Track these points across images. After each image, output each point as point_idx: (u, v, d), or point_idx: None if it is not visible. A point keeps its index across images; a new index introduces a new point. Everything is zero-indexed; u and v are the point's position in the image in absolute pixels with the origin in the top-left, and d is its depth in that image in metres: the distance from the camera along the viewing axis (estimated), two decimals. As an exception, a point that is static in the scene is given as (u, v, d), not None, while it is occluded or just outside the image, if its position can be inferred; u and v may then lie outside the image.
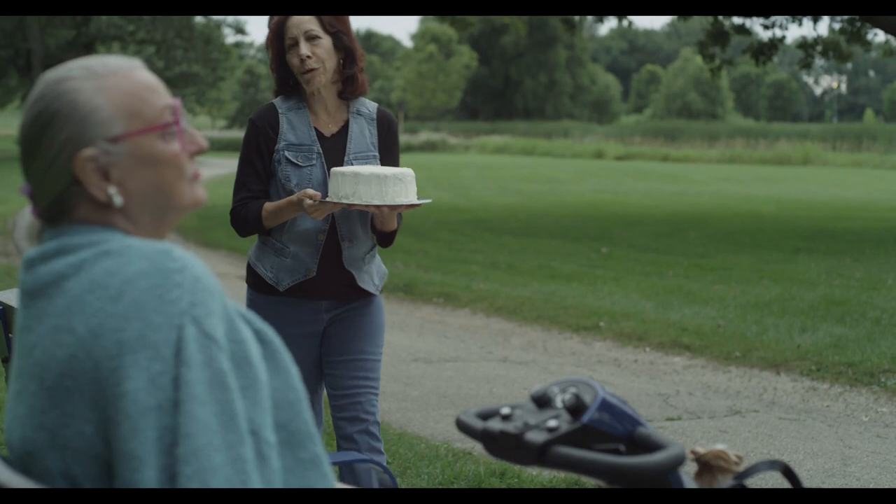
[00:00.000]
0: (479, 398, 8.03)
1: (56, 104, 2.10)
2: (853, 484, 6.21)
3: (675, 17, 26.35)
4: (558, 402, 2.17)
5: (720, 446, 2.49)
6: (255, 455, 2.02)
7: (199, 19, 56.53)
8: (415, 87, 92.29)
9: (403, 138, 75.17)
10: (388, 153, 4.57)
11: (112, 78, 2.13)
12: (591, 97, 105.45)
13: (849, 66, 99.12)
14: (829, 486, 6.11)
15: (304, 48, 4.34)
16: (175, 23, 53.33)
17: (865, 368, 8.85)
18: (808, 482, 6.14)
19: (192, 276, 2.00)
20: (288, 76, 4.47)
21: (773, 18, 25.50)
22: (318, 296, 4.51)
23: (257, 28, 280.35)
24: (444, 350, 9.97)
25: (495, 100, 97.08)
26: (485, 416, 2.27)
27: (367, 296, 4.61)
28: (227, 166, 49.28)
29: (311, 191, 4.27)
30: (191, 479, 1.91)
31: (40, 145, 2.11)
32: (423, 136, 76.93)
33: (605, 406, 2.14)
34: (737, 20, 26.03)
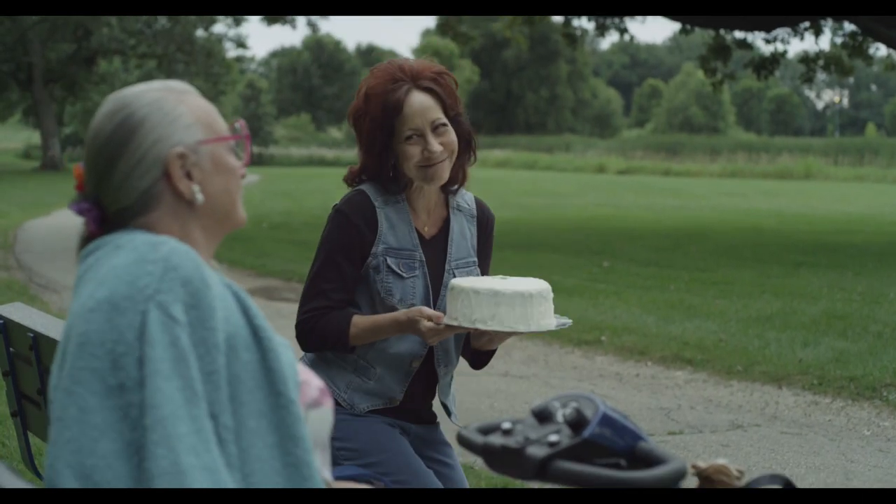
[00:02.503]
0: (480, 412, 8.02)
1: (144, 110, 2.28)
2: (855, 499, 6.19)
3: (676, 31, 26.30)
4: (559, 417, 2.16)
5: (722, 461, 2.48)
6: (216, 437, 2.10)
7: (199, 33, 56.64)
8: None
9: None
10: (484, 255, 3.93)
11: (186, 94, 2.35)
12: (593, 111, 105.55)
13: (851, 80, 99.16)
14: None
15: (435, 143, 3.63)
16: (176, 37, 53.46)
17: (867, 383, 8.83)
18: (810, 497, 6.12)
19: (167, 266, 2.12)
20: (388, 164, 3.70)
21: (774, 32, 25.51)
22: (397, 417, 3.80)
23: (258, 42, 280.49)
24: (445, 364, 9.95)
25: (497, 114, 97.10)
26: (486, 430, 2.27)
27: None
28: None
29: (428, 310, 3.56)
30: (158, 445, 2.01)
31: (127, 148, 2.27)
32: (425, 150, 76.82)
33: (607, 420, 2.13)
34: (738, 34, 26.05)
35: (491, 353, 3.87)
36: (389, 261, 3.66)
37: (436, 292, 3.75)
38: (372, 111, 3.66)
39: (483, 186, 42.67)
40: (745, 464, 6.82)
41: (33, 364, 3.85)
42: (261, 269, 16.36)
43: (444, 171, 3.68)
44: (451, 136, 3.67)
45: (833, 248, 20.17)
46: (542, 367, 9.94)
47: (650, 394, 8.87)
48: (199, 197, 2.29)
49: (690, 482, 2.30)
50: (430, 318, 3.53)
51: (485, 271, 3.93)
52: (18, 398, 4.21)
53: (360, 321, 3.61)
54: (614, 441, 2.13)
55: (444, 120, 3.66)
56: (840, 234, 23.23)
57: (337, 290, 3.65)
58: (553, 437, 2.09)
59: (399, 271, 3.67)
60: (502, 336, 3.67)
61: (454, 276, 3.75)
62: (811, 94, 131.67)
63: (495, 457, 2.16)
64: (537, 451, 2.07)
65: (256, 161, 74.60)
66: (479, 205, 3.93)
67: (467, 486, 3.67)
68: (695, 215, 29.27)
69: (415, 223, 3.74)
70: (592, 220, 27.41)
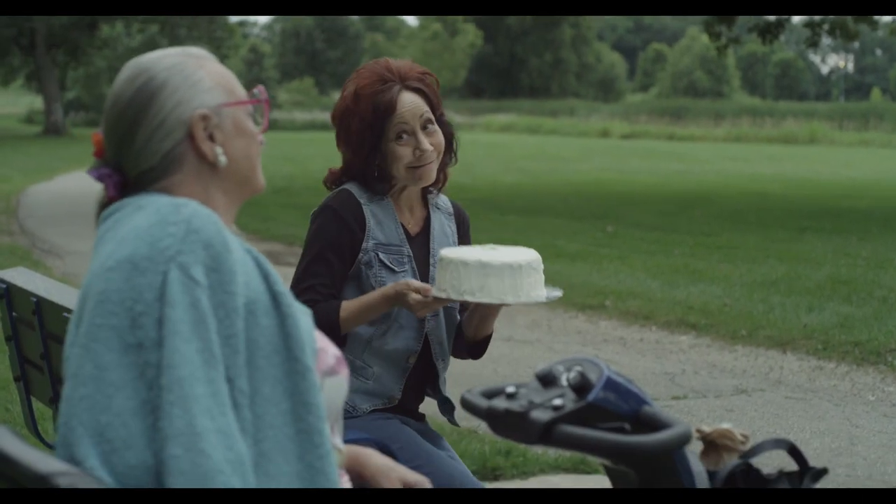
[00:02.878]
0: (483, 377, 8.02)
1: (164, 74, 2.30)
2: (860, 463, 6.20)
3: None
4: (563, 381, 2.15)
5: (726, 425, 2.48)
6: (232, 401, 2.09)
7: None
8: (420, 65, 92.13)
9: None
10: None
11: (205, 59, 2.37)
12: (597, 76, 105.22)
13: (856, 44, 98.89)
14: (836, 466, 6.10)
15: (425, 141, 3.65)
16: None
17: (872, 347, 8.83)
18: (814, 461, 6.12)
19: (189, 228, 2.12)
20: (374, 164, 3.71)
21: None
22: (396, 413, 3.80)
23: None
24: (449, 329, 9.96)
25: (500, 78, 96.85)
26: (490, 394, 2.26)
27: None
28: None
29: (415, 282, 3.55)
30: (174, 406, 2.01)
31: (148, 111, 2.28)
32: (429, 114, 76.79)
33: (611, 385, 2.12)
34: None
35: (488, 339, 3.83)
36: (381, 256, 3.68)
37: None
38: (362, 111, 3.66)
39: (487, 151, 42.66)
40: (750, 428, 6.81)
41: (36, 329, 3.85)
42: (264, 234, 16.37)
43: (432, 172, 3.70)
44: (439, 136, 3.71)
45: (838, 213, 20.15)
46: (546, 332, 9.94)
47: (654, 358, 8.87)
48: (223, 159, 2.29)
49: (695, 447, 2.29)
50: (417, 291, 3.51)
51: None
52: (21, 363, 4.21)
53: (348, 304, 3.61)
54: (618, 405, 2.12)
55: (433, 118, 3.69)
56: (845, 199, 23.20)
57: (326, 285, 3.65)
58: (557, 401, 2.08)
59: (391, 266, 3.69)
60: (493, 313, 3.68)
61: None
62: (816, 58, 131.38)
63: (499, 421, 2.15)
64: (541, 415, 2.07)
65: (260, 126, 74.49)
66: (455, 205, 3.98)
67: (472, 476, 3.66)
68: (699, 180, 29.23)
69: (401, 220, 3.77)
70: (596, 184, 27.38)
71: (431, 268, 3.77)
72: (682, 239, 16.12)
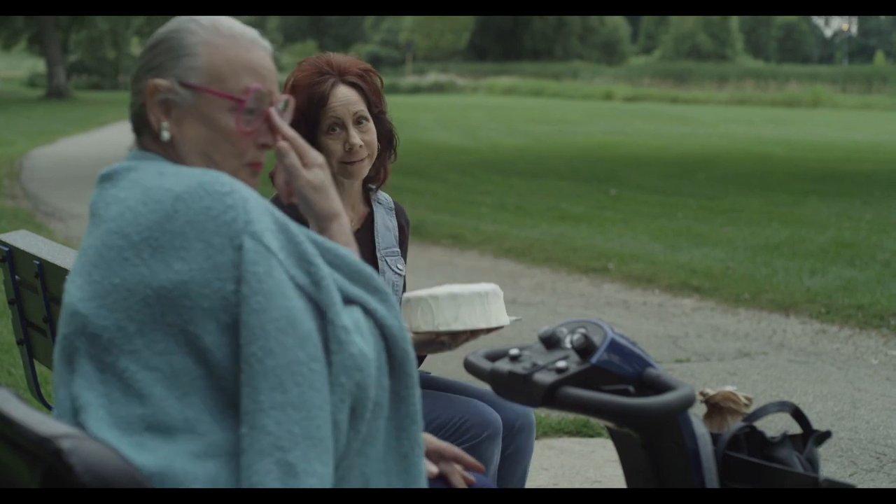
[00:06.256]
0: (487, 340, 8.01)
1: (170, 35, 2.31)
2: (862, 427, 6.20)
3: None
4: (567, 343, 2.15)
5: (729, 388, 2.48)
6: (324, 348, 2.10)
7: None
8: (423, 28, 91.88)
9: (411, 79, 74.90)
10: (404, 249, 4.00)
11: (226, 41, 2.31)
12: (600, 38, 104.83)
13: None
14: (839, 429, 6.11)
15: (356, 135, 3.68)
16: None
17: (875, 311, 8.82)
18: (817, 425, 6.13)
19: (241, 197, 2.12)
20: None
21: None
22: None
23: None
24: (452, 292, 9.95)
25: (504, 41, 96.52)
26: (493, 357, 2.26)
27: None
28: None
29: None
30: (251, 369, 2.04)
31: (143, 60, 2.32)
32: (431, 77, 76.64)
33: (614, 347, 2.12)
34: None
35: (420, 361, 3.85)
36: None
37: None
38: (297, 102, 3.62)
39: (489, 114, 42.59)
40: (753, 392, 6.82)
41: (39, 292, 3.84)
42: (264, 195, 16.35)
43: (364, 168, 3.72)
44: (372, 134, 3.72)
45: (841, 177, 20.11)
46: (550, 294, 9.93)
47: (657, 321, 8.86)
48: (165, 134, 2.27)
49: (698, 409, 2.29)
50: None
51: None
52: (24, 326, 4.21)
53: None
54: (622, 367, 2.12)
55: (367, 115, 3.71)
56: (848, 163, 23.15)
57: None
58: (561, 364, 2.08)
59: None
60: (434, 343, 3.67)
61: (386, 264, 3.84)
62: (820, 21, 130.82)
63: (503, 383, 2.15)
64: (545, 378, 2.06)
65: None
66: (395, 202, 4.00)
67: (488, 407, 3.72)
68: (702, 143, 29.17)
69: None
70: (600, 147, 27.32)
71: (379, 261, 3.82)
72: (685, 202, 16.10)
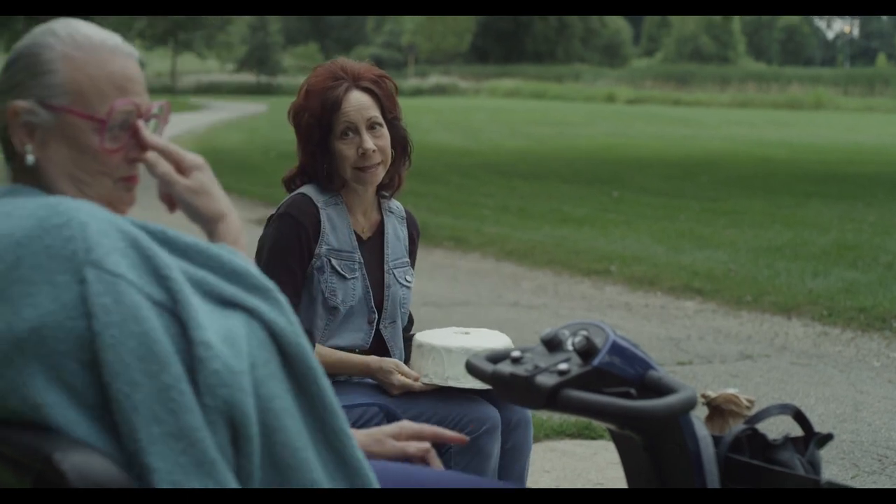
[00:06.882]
0: (489, 342, 8.00)
1: (26, 51, 2.18)
2: (864, 429, 6.20)
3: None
4: (569, 345, 2.14)
5: (731, 390, 2.47)
6: (189, 367, 1.99)
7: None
8: (425, 30, 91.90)
9: (413, 82, 74.92)
10: (412, 259, 3.97)
11: (86, 54, 2.17)
12: (603, 40, 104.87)
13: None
14: (841, 431, 6.10)
15: (370, 140, 3.67)
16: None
17: (877, 313, 8.82)
18: (819, 427, 6.11)
19: (80, 223, 2.00)
20: (323, 164, 3.76)
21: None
22: None
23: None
24: (454, 294, 9.97)
25: (506, 43, 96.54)
26: (495, 359, 2.25)
27: None
28: (233, 110, 49.21)
29: (405, 367, 3.65)
30: (122, 406, 1.93)
31: (1, 79, 2.20)
32: (433, 79, 76.74)
33: (616, 349, 2.11)
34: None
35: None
36: (333, 262, 3.70)
37: (376, 293, 3.77)
38: (311, 107, 3.74)
39: (491, 116, 42.60)
40: (755, 394, 6.82)
41: None
42: (269, 199, 16.34)
43: (378, 175, 3.73)
44: (386, 140, 3.72)
45: (843, 179, 20.11)
46: (552, 296, 9.93)
47: (659, 324, 8.86)
48: (30, 158, 2.16)
49: (700, 412, 2.29)
50: (405, 374, 3.61)
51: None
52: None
53: (324, 352, 3.63)
54: (624, 369, 2.12)
55: (381, 120, 3.71)
56: (850, 165, 23.16)
57: (289, 294, 3.51)
58: (563, 366, 2.07)
59: (342, 272, 3.71)
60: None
61: (393, 277, 3.82)
62: (822, 23, 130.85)
63: (504, 385, 2.15)
64: (547, 380, 2.06)
65: (265, 90, 74.45)
66: (406, 210, 3.99)
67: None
68: (705, 145, 29.18)
69: (353, 225, 3.78)
70: (602, 149, 27.33)
71: (386, 274, 3.81)
72: (687, 204, 16.10)
